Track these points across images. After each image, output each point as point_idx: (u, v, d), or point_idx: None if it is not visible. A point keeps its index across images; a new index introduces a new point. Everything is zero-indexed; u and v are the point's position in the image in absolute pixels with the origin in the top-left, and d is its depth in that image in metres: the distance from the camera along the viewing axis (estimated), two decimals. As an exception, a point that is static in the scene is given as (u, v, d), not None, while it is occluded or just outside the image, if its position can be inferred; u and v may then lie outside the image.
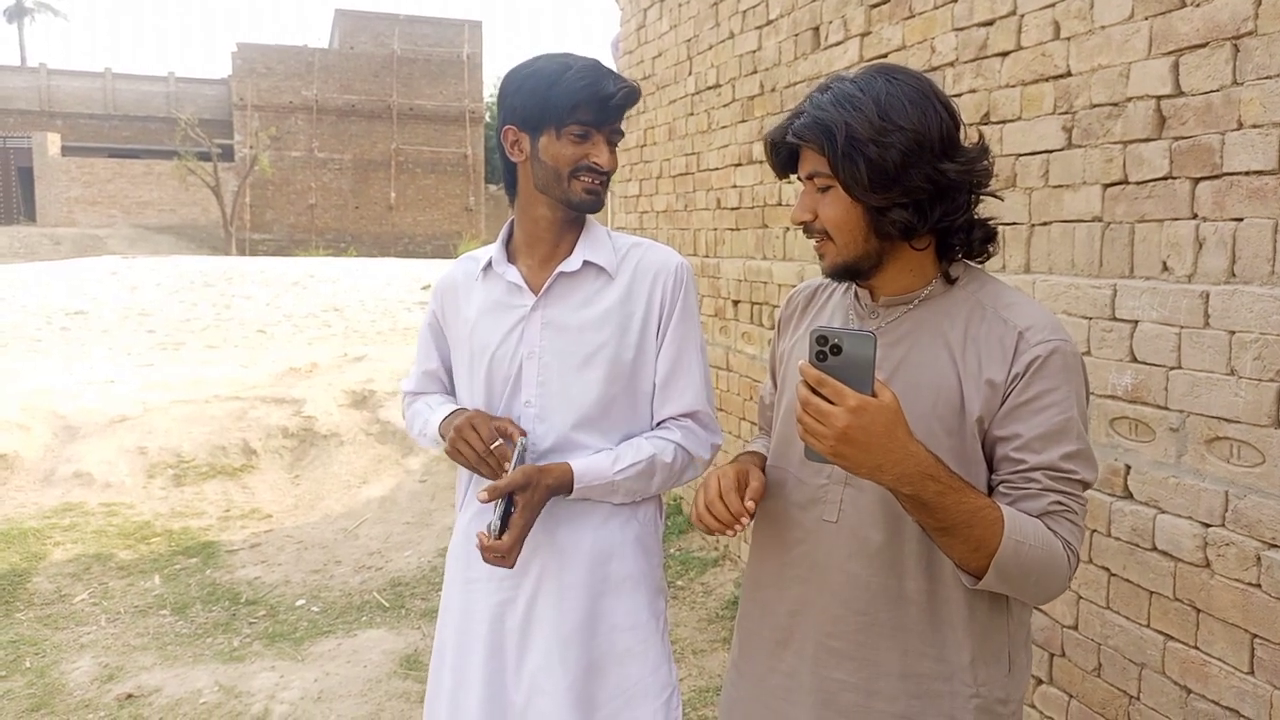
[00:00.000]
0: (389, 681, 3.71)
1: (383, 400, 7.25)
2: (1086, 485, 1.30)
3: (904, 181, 1.28)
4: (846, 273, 1.38)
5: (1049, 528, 1.25)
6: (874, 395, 1.14)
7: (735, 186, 4.65)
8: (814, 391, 1.14)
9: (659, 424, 1.77)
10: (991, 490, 1.32)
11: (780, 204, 4.25)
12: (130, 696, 3.55)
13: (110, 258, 18.05)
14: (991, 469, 1.32)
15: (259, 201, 34.51)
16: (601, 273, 1.74)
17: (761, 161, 4.40)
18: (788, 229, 4.19)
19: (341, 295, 12.82)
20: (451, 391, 1.93)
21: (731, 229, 4.72)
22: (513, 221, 1.82)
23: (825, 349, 1.15)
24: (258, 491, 6.30)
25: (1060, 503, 1.27)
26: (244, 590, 4.69)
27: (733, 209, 4.69)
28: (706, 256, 5.00)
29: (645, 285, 1.74)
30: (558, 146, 1.65)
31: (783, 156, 1.39)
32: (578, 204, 1.68)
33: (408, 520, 5.76)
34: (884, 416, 1.14)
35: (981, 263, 1.41)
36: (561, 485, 1.66)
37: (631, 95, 1.69)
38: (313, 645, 4.06)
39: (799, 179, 1.40)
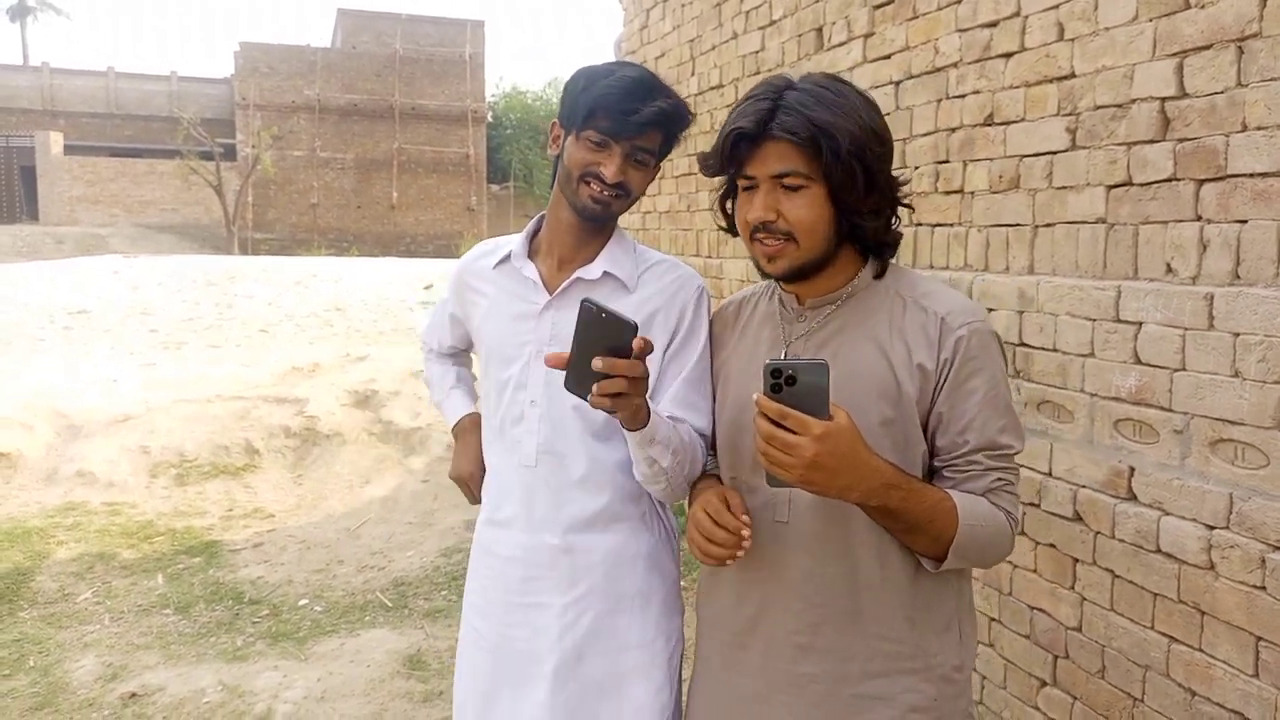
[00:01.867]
0: (392, 681, 3.71)
1: (385, 400, 7.25)
2: (1018, 452, 1.41)
3: (879, 188, 1.37)
4: (800, 274, 1.40)
5: (993, 503, 1.37)
6: (830, 419, 1.18)
7: (738, 187, 4.64)
8: (775, 424, 1.17)
9: None
10: (934, 472, 1.41)
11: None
12: (134, 695, 3.56)
13: (112, 257, 18.06)
14: (931, 450, 1.39)
15: (261, 201, 34.51)
16: (620, 285, 1.71)
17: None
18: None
19: (344, 295, 12.83)
20: (468, 363, 2.06)
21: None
22: (542, 217, 1.81)
23: (780, 381, 1.17)
24: (260, 491, 6.31)
25: (1000, 478, 1.39)
26: (247, 590, 4.69)
27: (736, 209, 4.68)
28: (709, 257, 5.00)
29: (660, 302, 1.70)
30: (575, 148, 1.63)
31: (739, 154, 1.37)
32: (581, 209, 1.66)
33: (410, 520, 5.76)
34: (846, 438, 1.19)
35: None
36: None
37: (664, 116, 1.61)
38: (316, 645, 4.06)
39: (741, 177, 1.40)
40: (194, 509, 5.96)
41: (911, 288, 1.43)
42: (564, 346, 1.72)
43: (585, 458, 1.69)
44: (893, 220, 1.44)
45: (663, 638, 1.74)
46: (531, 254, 1.78)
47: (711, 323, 1.68)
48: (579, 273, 1.70)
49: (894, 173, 1.43)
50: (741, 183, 1.41)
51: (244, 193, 32.83)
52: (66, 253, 25.51)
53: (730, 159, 1.38)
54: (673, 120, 1.64)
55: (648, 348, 1.33)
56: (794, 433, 1.16)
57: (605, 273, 1.70)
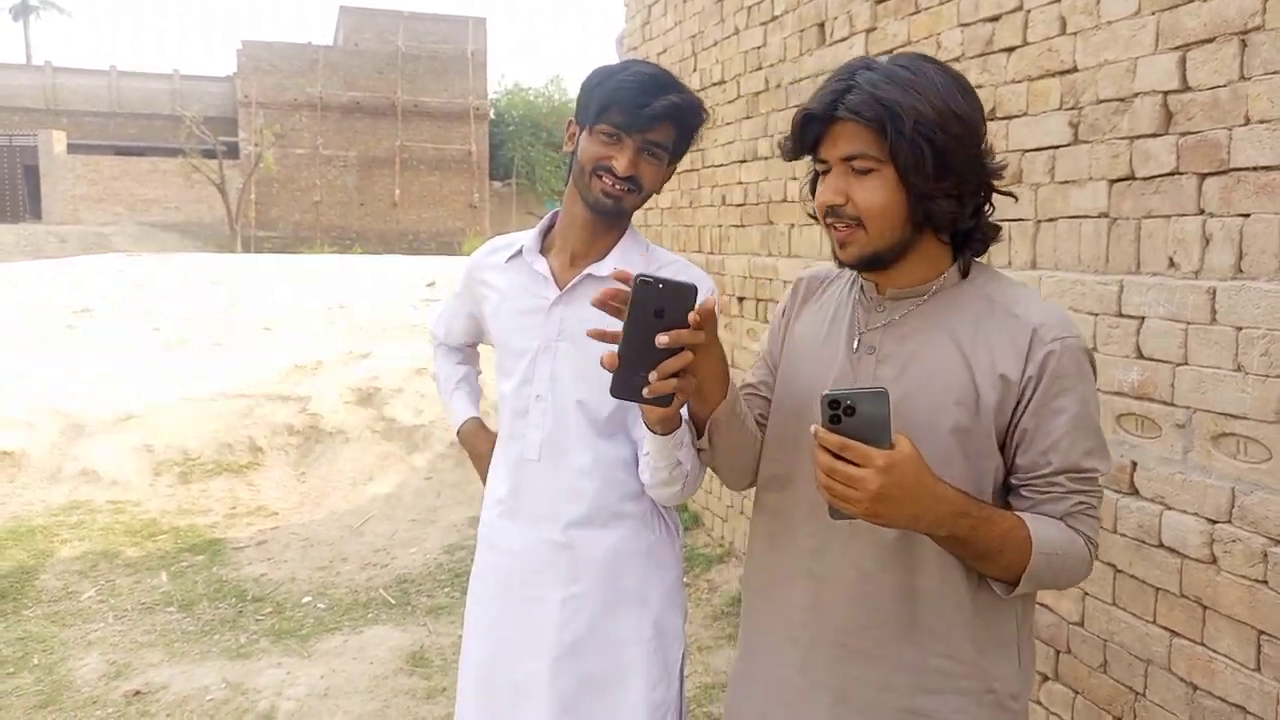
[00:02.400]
0: (395, 678, 3.72)
1: (388, 397, 7.26)
2: (1104, 475, 1.34)
3: (957, 171, 1.28)
4: (872, 262, 1.33)
5: (1071, 527, 1.30)
6: (892, 447, 1.13)
7: (740, 183, 4.65)
8: (837, 456, 1.13)
9: None
10: (1009, 489, 1.34)
11: (785, 200, 4.24)
12: (138, 693, 3.57)
13: (116, 255, 18.08)
14: (1008, 466, 1.32)
15: (264, 199, 34.53)
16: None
17: (768, 158, 4.39)
18: (793, 225, 4.19)
19: (346, 292, 12.84)
20: (476, 359, 2.09)
21: (736, 225, 4.72)
22: (556, 214, 1.82)
23: (839, 412, 1.12)
24: (264, 489, 6.32)
25: (1081, 502, 1.31)
26: (250, 587, 4.70)
27: (737, 205, 4.68)
28: (711, 253, 5.00)
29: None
30: (588, 143, 1.65)
31: (809, 136, 1.32)
32: (593, 203, 1.67)
33: (413, 517, 5.77)
34: (911, 467, 1.14)
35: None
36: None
37: (676, 110, 1.61)
38: (319, 642, 4.07)
39: (816, 161, 1.35)
40: (197, 507, 5.97)
41: (1002, 292, 1.35)
42: (573, 342, 1.72)
43: (589, 454, 1.70)
44: (982, 209, 1.34)
45: (661, 635, 1.73)
46: (544, 250, 1.79)
47: (793, 290, 1.59)
48: (590, 269, 1.71)
49: (987, 158, 1.34)
50: (817, 166, 1.35)
51: (247, 190, 32.86)
52: (69, 251, 25.55)
53: (803, 142, 1.33)
54: (686, 114, 1.64)
55: (713, 308, 1.26)
56: (856, 465, 1.12)
57: (616, 270, 1.69)
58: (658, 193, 1.78)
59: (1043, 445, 1.28)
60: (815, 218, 1.41)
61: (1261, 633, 2.08)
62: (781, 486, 1.44)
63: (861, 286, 1.42)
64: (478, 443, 1.97)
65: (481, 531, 1.86)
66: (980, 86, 2.93)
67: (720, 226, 4.90)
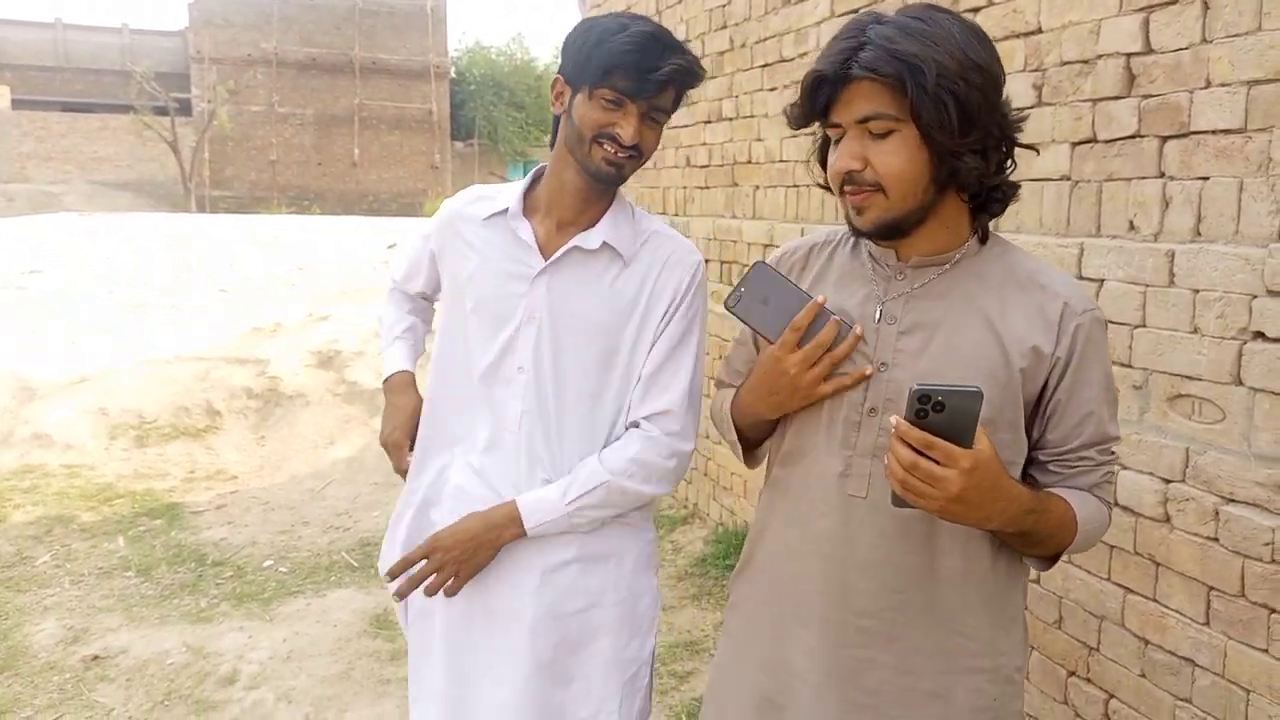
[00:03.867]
0: (359, 640, 3.71)
1: (349, 360, 7.18)
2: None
3: (982, 125, 1.21)
4: (892, 230, 1.26)
5: (1097, 496, 1.32)
6: (972, 448, 1.11)
7: (704, 144, 4.62)
8: (919, 453, 1.10)
9: (630, 424, 1.69)
10: (1034, 462, 1.34)
11: (750, 161, 4.22)
12: (96, 658, 3.53)
13: (66, 215, 17.64)
14: (1033, 440, 1.31)
15: (218, 157, 33.80)
16: (617, 257, 1.66)
17: (732, 118, 4.36)
18: (758, 187, 4.17)
19: (306, 254, 12.64)
20: (428, 315, 1.96)
21: (700, 187, 4.69)
22: (539, 171, 1.73)
23: (927, 407, 1.08)
24: (222, 453, 6.24)
25: (1108, 473, 1.34)
26: (210, 551, 4.66)
27: (702, 167, 4.65)
28: (675, 215, 4.97)
29: (655, 276, 1.66)
30: (587, 108, 1.56)
31: (820, 100, 1.24)
32: (594, 172, 1.59)
33: (376, 481, 5.73)
34: (992, 470, 1.12)
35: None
36: (497, 524, 1.63)
37: (682, 74, 1.55)
38: (281, 605, 4.05)
39: (827, 127, 1.28)
40: (154, 471, 5.88)
41: (1022, 261, 1.32)
42: (557, 315, 1.65)
43: (567, 426, 1.67)
44: (1005, 165, 1.29)
45: (635, 595, 1.73)
46: (527, 212, 1.70)
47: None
48: (576, 241, 1.64)
49: (1006, 109, 1.28)
50: (831, 132, 1.28)
51: (200, 149, 32.15)
52: (18, 211, 24.88)
53: (814, 107, 1.25)
54: (689, 77, 1.58)
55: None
56: (938, 463, 1.09)
57: (604, 243, 1.64)
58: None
59: (1075, 418, 1.28)
60: (825, 187, 1.35)
61: (1211, 588, 2.14)
62: (795, 462, 1.39)
63: (870, 253, 1.35)
64: (403, 398, 1.85)
65: (450, 488, 1.77)
66: (945, 47, 2.92)
67: (685, 188, 4.87)
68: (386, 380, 1.90)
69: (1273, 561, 1.99)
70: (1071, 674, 2.57)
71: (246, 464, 6.11)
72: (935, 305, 1.29)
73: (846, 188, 1.25)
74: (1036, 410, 1.29)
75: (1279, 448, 1.98)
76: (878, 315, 1.30)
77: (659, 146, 1.67)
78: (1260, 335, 2.01)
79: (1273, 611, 2.00)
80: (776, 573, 1.41)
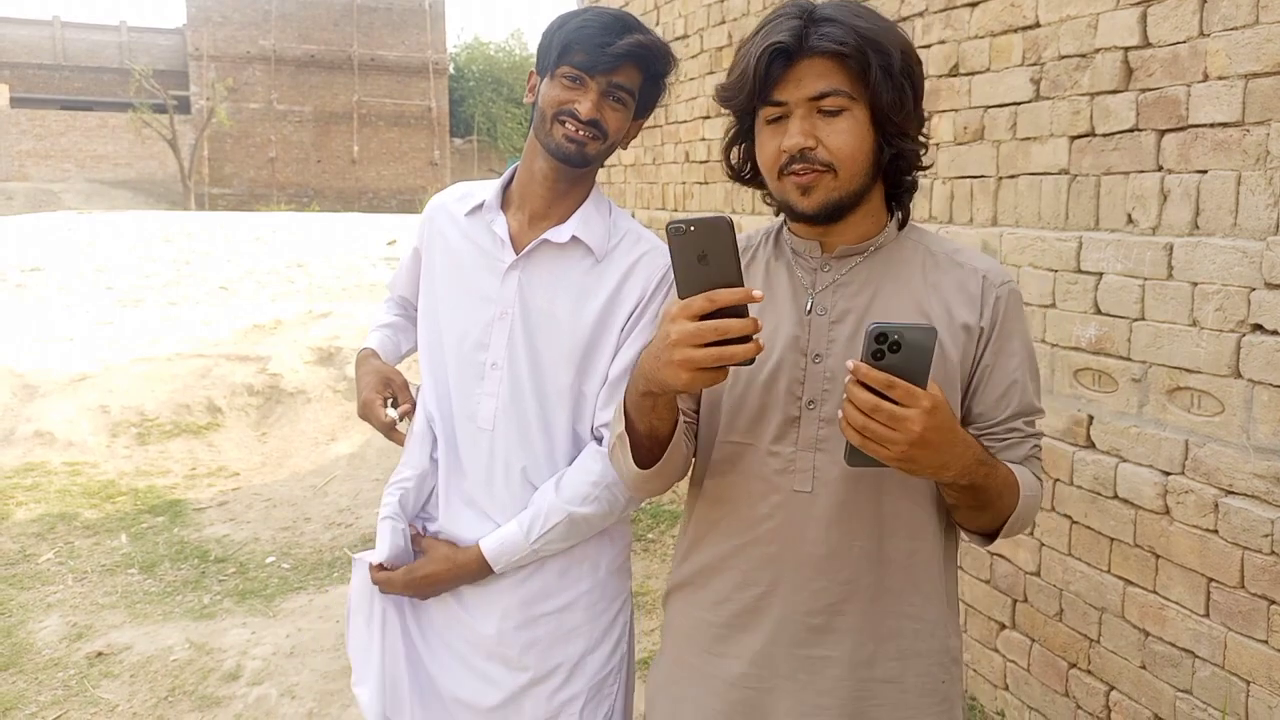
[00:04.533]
0: (361, 636, 3.72)
1: (349, 357, 7.19)
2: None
3: (918, 112, 1.25)
4: (835, 212, 1.24)
5: (1030, 470, 1.31)
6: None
7: (704, 139, 4.62)
8: (879, 395, 1.05)
9: (595, 433, 1.65)
10: None
11: (749, 157, 4.22)
12: (100, 654, 3.54)
13: (66, 213, 17.64)
14: (963, 416, 1.31)
15: (217, 155, 33.77)
16: (589, 253, 1.64)
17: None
18: (757, 182, 4.17)
19: (305, 251, 12.64)
20: (414, 318, 1.91)
21: (700, 182, 4.70)
22: (518, 166, 1.73)
23: (884, 347, 1.05)
24: (224, 450, 6.25)
25: (1035, 445, 1.33)
26: (213, 548, 4.67)
27: (701, 162, 4.66)
28: (675, 210, 4.98)
29: (624, 277, 1.64)
30: (549, 88, 1.58)
31: (775, 76, 1.21)
32: (555, 150, 1.58)
33: (377, 477, 5.74)
34: (947, 411, 1.09)
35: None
36: (468, 573, 1.64)
37: (640, 50, 1.54)
38: (284, 602, 4.06)
39: (769, 105, 1.23)
40: (156, 468, 5.89)
41: (938, 243, 1.33)
42: (529, 309, 1.63)
43: (541, 423, 1.65)
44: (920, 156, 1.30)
45: (608, 599, 1.71)
46: (504, 206, 1.70)
47: None
48: (547, 234, 1.63)
49: None
50: (768, 112, 1.24)
51: (199, 146, 32.12)
52: (17, 209, 24.87)
53: (770, 80, 1.21)
54: (652, 56, 1.57)
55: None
56: (900, 405, 1.05)
57: (574, 238, 1.63)
58: (624, 148, 1.71)
59: (1001, 388, 1.28)
60: (736, 177, 1.35)
61: (1211, 580, 2.15)
62: (727, 470, 1.34)
63: (793, 249, 1.34)
64: (366, 366, 1.83)
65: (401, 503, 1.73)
66: (943, 42, 2.93)
67: (684, 184, 4.88)
68: (359, 356, 1.91)
69: (1272, 553, 2.00)
70: (1072, 666, 2.58)
71: (248, 461, 6.12)
72: (862, 292, 1.29)
73: (795, 167, 1.22)
74: (966, 386, 1.30)
75: (1278, 440, 1.99)
76: (808, 307, 1.29)
77: (639, 141, 1.66)
78: (1259, 328, 2.02)
79: (1272, 603, 2.01)
80: (719, 585, 1.36)
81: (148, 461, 5.98)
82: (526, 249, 1.64)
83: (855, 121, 1.21)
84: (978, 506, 1.24)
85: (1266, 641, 2.03)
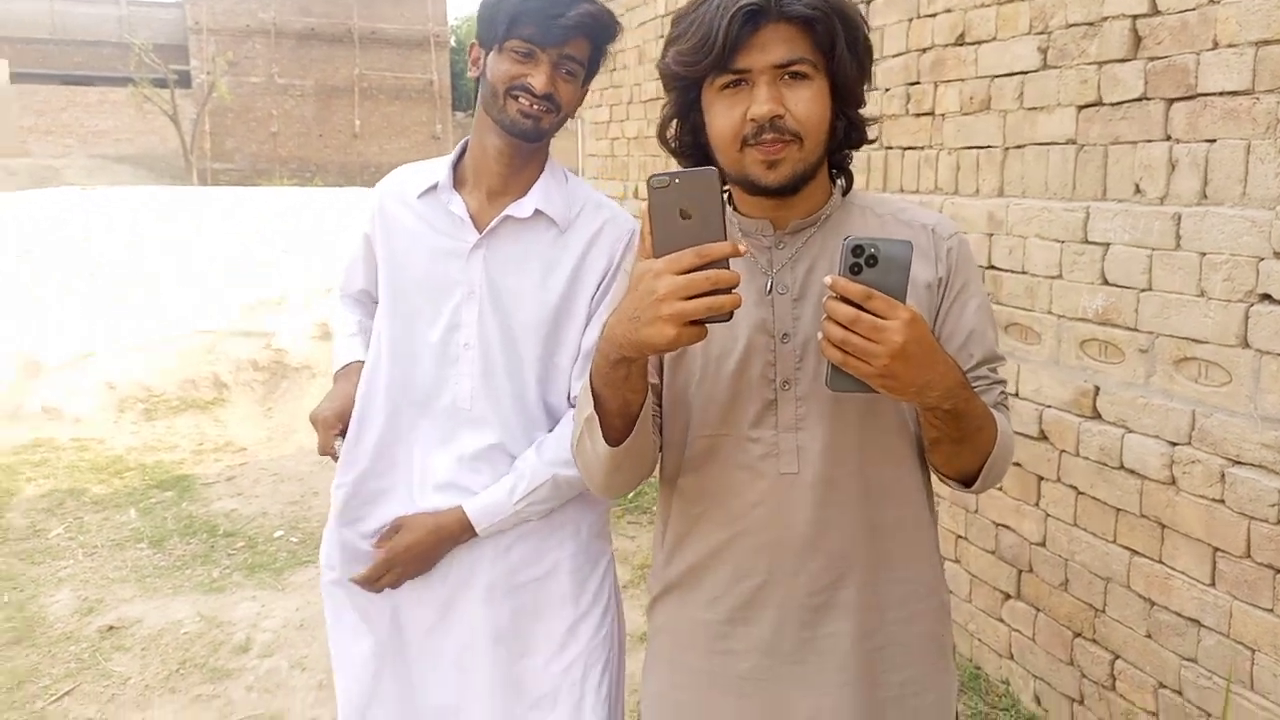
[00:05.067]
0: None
1: (354, 332, 7.19)
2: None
3: (867, 84, 1.26)
4: (799, 183, 1.22)
5: (1003, 415, 1.30)
6: None
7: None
8: (857, 307, 1.02)
9: (572, 401, 1.64)
10: None
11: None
12: (111, 628, 3.57)
13: (68, 188, 17.60)
14: None
15: (219, 129, 33.61)
16: (552, 224, 1.63)
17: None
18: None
19: (309, 226, 12.61)
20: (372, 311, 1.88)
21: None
22: (466, 143, 1.70)
23: (860, 260, 1.03)
24: (230, 425, 6.27)
25: (1002, 392, 1.32)
26: (221, 522, 4.70)
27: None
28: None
29: (589, 245, 1.63)
30: (498, 62, 1.55)
31: (742, 41, 1.16)
32: (510, 126, 1.56)
33: (383, 451, 5.76)
34: (926, 327, 1.06)
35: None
36: (450, 535, 1.63)
37: (590, 20, 1.52)
38: (293, 575, 4.09)
39: (728, 73, 1.18)
40: (163, 444, 5.92)
41: (881, 204, 1.33)
42: (496, 287, 1.61)
43: (519, 399, 1.65)
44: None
45: (591, 562, 1.71)
46: (457, 184, 1.67)
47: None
48: (509, 210, 1.62)
49: None
50: (723, 80, 1.19)
51: (201, 121, 31.96)
52: (19, 185, 24.82)
53: (737, 45, 1.16)
54: (600, 26, 1.55)
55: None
56: (880, 317, 1.02)
57: (537, 210, 1.62)
58: (572, 116, 1.67)
59: (962, 338, 1.28)
60: (676, 153, 1.31)
61: (1217, 550, 2.15)
62: (706, 463, 1.31)
63: (742, 229, 1.29)
64: (347, 384, 1.78)
65: (385, 483, 1.72)
66: (950, 11, 2.90)
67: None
68: (340, 370, 1.85)
69: (1278, 523, 2.00)
70: (1078, 635, 2.60)
71: (255, 436, 6.14)
72: (820, 263, 1.27)
73: (764, 137, 1.18)
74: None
75: (1284, 410, 1.99)
76: (768, 287, 1.27)
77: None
78: (1267, 297, 2.01)
79: (1278, 572, 2.02)
80: (712, 582, 1.33)
81: (155, 437, 6.00)
82: (489, 226, 1.62)
83: (818, 91, 1.19)
84: (959, 439, 1.20)
85: (1272, 610, 2.04)
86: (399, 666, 1.72)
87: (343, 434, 1.73)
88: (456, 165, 1.69)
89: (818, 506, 1.26)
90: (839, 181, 1.32)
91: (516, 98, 1.54)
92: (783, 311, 1.26)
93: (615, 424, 1.21)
